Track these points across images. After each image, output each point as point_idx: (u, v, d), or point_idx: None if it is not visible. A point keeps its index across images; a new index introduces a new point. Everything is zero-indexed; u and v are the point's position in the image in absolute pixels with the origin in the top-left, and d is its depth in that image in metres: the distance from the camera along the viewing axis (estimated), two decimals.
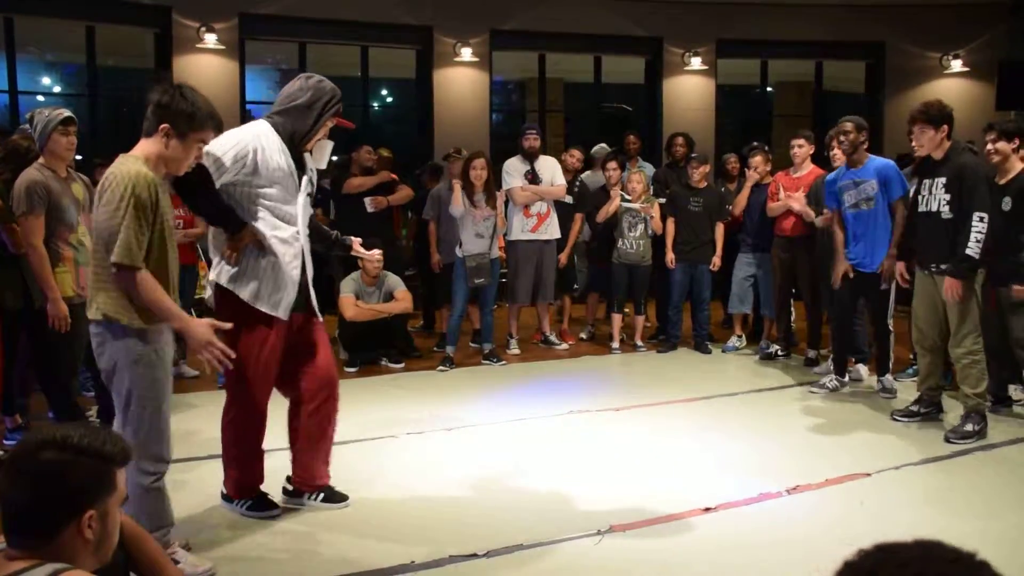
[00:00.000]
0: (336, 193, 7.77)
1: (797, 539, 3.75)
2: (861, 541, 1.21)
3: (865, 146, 5.98)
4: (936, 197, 5.21)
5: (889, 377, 6.13)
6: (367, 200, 7.57)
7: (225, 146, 3.68)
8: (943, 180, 5.17)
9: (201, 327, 3.28)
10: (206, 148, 3.49)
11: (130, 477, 3.11)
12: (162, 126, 3.17)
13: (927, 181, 5.30)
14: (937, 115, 5.16)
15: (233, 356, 3.35)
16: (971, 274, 5.10)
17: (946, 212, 5.16)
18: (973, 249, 4.97)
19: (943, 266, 5.17)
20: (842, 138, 5.97)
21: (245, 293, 3.81)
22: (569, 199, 7.92)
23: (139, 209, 3.06)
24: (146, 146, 3.22)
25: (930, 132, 5.17)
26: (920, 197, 5.35)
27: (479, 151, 7.52)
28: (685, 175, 7.78)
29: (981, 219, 4.97)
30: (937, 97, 5.52)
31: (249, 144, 3.74)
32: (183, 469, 4.70)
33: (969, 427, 5.11)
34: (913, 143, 5.40)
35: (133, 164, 3.12)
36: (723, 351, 7.72)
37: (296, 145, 3.88)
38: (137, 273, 3.09)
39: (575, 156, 8.17)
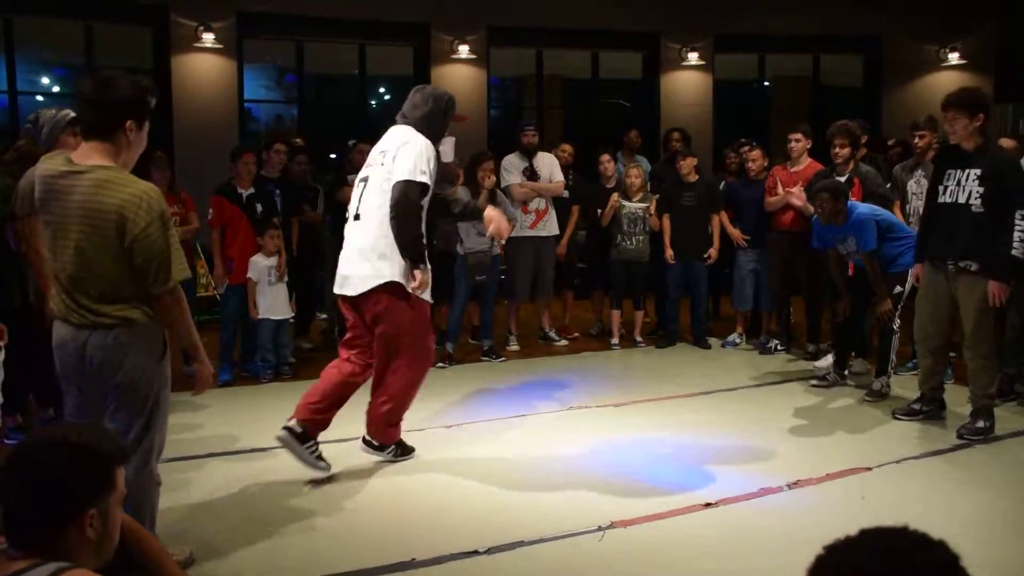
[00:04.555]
0: (330, 197, 7.74)
1: (798, 533, 3.75)
2: None
3: (844, 209, 5.89)
4: (966, 189, 4.96)
5: (885, 379, 6.01)
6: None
7: (425, 158, 4.44)
8: (977, 172, 4.92)
9: (210, 367, 3.33)
10: (420, 168, 4.36)
11: (142, 476, 3.09)
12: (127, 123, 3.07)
13: (953, 171, 5.05)
14: (975, 102, 4.95)
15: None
16: (1013, 276, 4.96)
17: (977, 205, 4.92)
18: (1018, 249, 4.79)
19: (963, 263, 4.99)
20: (819, 208, 5.92)
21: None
22: (567, 194, 7.93)
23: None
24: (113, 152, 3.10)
25: (964, 120, 4.93)
26: (942, 187, 5.09)
27: (486, 152, 7.50)
28: (677, 171, 7.77)
29: (1023, 216, 4.81)
30: (936, 88, 5.47)
31: (432, 150, 4.51)
32: (188, 468, 4.71)
33: (981, 424, 5.08)
34: (946, 128, 5.14)
35: (137, 181, 3.07)
36: (723, 346, 7.73)
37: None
38: (179, 290, 3.12)
39: (566, 151, 8.17)
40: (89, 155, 3.05)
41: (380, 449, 4.76)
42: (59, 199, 3.04)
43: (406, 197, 4.33)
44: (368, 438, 4.76)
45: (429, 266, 4.50)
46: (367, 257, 4.44)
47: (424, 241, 4.47)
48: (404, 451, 4.85)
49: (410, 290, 4.42)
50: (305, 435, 4.48)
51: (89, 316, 3.08)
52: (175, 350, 3.37)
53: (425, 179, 4.39)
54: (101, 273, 3.05)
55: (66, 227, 3.03)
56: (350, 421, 5.50)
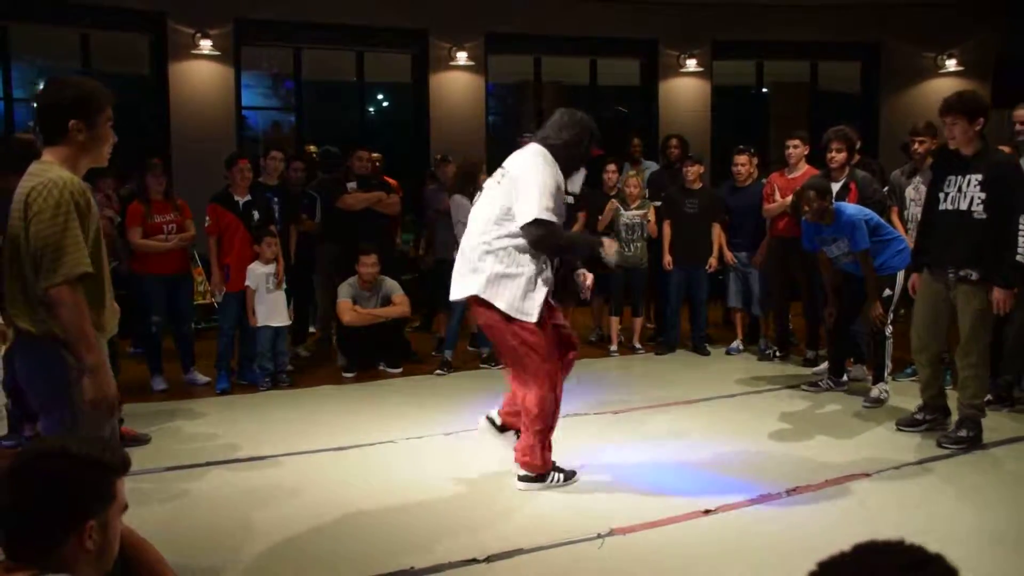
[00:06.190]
0: (329, 204, 7.73)
1: (797, 540, 3.75)
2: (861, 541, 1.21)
3: (830, 208, 5.87)
4: (967, 195, 4.84)
5: (883, 386, 6.00)
6: None
7: (548, 193, 4.24)
8: (978, 177, 4.81)
9: (112, 380, 2.92)
10: (545, 204, 4.17)
11: None
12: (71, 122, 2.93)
13: (953, 177, 4.93)
14: (974, 107, 4.82)
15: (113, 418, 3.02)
16: (1018, 283, 4.87)
17: (979, 212, 4.80)
18: (1023, 255, 4.71)
19: (964, 272, 4.89)
20: (807, 208, 5.88)
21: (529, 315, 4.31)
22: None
23: (81, 220, 2.85)
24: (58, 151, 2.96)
25: (963, 124, 4.81)
26: (943, 194, 4.98)
27: (481, 158, 7.50)
28: (680, 177, 7.78)
29: None
30: (934, 95, 5.44)
31: (554, 177, 4.33)
32: (187, 477, 4.71)
33: (963, 433, 5.02)
34: (945, 133, 5.02)
35: (57, 170, 2.87)
36: (727, 353, 7.72)
37: (564, 175, 4.43)
38: (77, 291, 2.83)
39: None
40: (46, 157, 2.97)
41: (537, 480, 4.45)
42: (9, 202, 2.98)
43: (542, 237, 4.23)
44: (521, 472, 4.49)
45: (584, 271, 4.65)
46: (468, 265, 4.37)
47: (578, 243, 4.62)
48: (566, 476, 4.52)
49: (583, 295, 4.83)
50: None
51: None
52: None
53: (550, 216, 4.21)
54: (17, 273, 2.92)
55: (8, 224, 2.96)
56: (346, 429, 5.51)
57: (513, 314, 4.28)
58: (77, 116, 2.93)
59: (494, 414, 4.77)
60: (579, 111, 4.53)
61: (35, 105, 3.04)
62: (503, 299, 4.27)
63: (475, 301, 4.37)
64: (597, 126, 4.54)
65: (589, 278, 4.85)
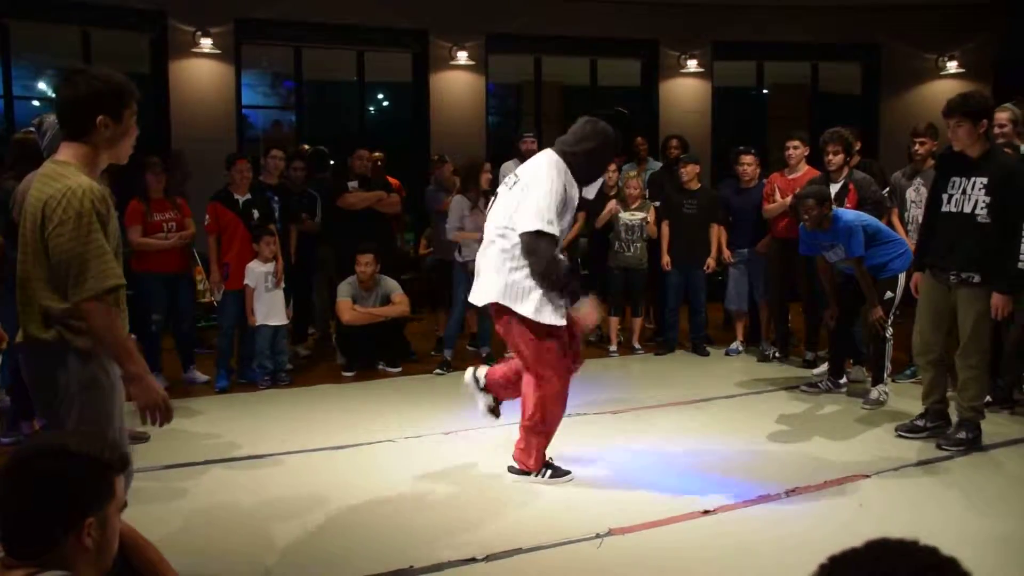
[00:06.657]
0: (329, 203, 7.71)
1: (797, 541, 3.74)
2: (861, 542, 1.20)
3: (829, 215, 5.85)
4: (971, 198, 4.77)
5: (882, 387, 5.99)
6: None
7: (554, 204, 4.23)
8: (983, 180, 4.73)
9: (157, 384, 2.85)
10: (547, 218, 4.17)
11: None
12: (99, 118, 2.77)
13: (957, 179, 4.86)
14: (977, 108, 4.73)
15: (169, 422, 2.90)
16: (1017, 288, 4.85)
17: (983, 216, 4.73)
18: None
19: (965, 275, 4.85)
20: (806, 216, 5.87)
21: (552, 318, 4.33)
22: None
23: (103, 227, 2.71)
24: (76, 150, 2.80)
25: (968, 126, 4.73)
26: (946, 196, 4.91)
27: (481, 158, 7.51)
28: (678, 178, 7.77)
29: None
30: (935, 96, 5.40)
31: (564, 189, 4.32)
32: (186, 475, 4.70)
33: (962, 435, 5.00)
34: (949, 136, 4.93)
35: (76, 175, 2.71)
36: (726, 354, 7.71)
37: (580, 184, 4.46)
38: (106, 303, 2.71)
39: None
40: (63, 155, 2.80)
41: (524, 474, 4.58)
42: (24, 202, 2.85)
43: (537, 249, 4.20)
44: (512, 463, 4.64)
45: (586, 298, 4.43)
46: (486, 271, 4.44)
47: (567, 280, 4.29)
48: (555, 473, 4.58)
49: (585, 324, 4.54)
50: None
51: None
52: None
53: (552, 229, 4.21)
54: (29, 278, 2.79)
55: (22, 229, 2.83)
56: (345, 428, 5.50)
57: (537, 318, 4.30)
58: (105, 111, 2.77)
59: (481, 373, 4.88)
60: (601, 120, 4.48)
61: (58, 98, 2.85)
62: (526, 305, 4.31)
63: (496, 307, 4.42)
64: (617, 137, 4.52)
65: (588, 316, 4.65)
